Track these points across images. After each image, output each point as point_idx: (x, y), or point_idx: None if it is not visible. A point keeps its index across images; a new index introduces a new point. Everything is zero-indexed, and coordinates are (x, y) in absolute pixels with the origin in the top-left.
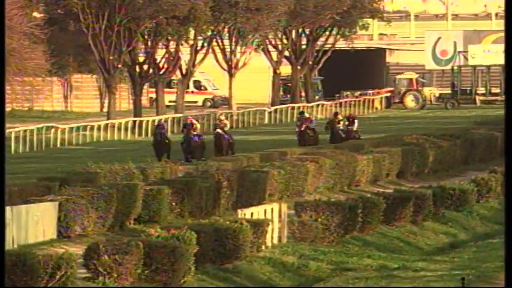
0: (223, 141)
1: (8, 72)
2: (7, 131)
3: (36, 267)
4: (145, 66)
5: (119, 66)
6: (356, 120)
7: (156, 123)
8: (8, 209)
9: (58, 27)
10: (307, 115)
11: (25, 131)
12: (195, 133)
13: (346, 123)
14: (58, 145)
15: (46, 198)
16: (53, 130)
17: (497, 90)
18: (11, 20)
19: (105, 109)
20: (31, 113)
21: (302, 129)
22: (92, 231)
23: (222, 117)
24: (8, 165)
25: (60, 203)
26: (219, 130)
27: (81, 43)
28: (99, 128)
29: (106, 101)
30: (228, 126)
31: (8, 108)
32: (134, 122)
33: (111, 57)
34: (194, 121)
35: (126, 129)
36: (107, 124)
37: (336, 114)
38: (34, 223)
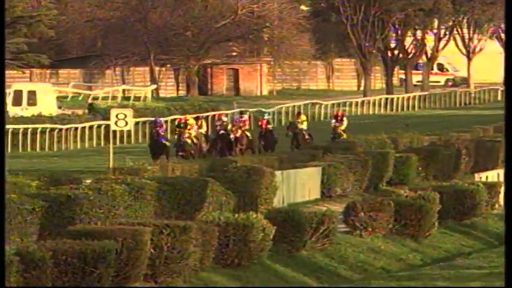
0: (226, 140)
1: (279, 57)
2: (278, 106)
3: (302, 222)
4: (395, 51)
5: (373, 51)
6: (345, 118)
7: (153, 120)
8: (278, 173)
9: (322, 18)
10: (246, 117)
11: (294, 106)
12: (187, 135)
13: (333, 121)
14: (321, 118)
15: (311, 164)
16: (317, 106)
17: None
18: (281, 12)
19: (362, 88)
20: (298, 92)
21: (237, 135)
22: (350, 192)
23: (225, 118)
24: (278, 136)
25: (324, 168)
26: (223, 132)
27: (341, 32)
28: (356, 104)
29: (362, 81)
30: (230, 126)
31: (278, 87)
32: (386, 99)
33: (366, 44)
34: (190, 120)
35: (379, 105)
36: (363, 101)
37: (299, 114)
38: (301, 185)
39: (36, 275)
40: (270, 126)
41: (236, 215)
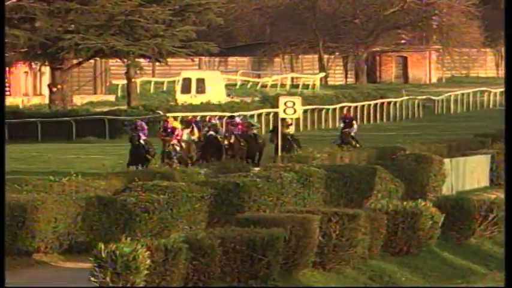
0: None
1: (448, 44)
2: (447, 94)
3: (471, 210)
4: None
5: None
6: (354, 122)
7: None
8: (447, 160)
9: (491, 5)
10: (238, 120)
11: (462, 94)
12: (174, 140)
13: (342, 125)
14: (490, 106)
15: (480, 151)
16: (486, 93)
17: None
18: None
19: None
20: (467, 79)
21: (232, 141)
22: None
23: (213, 121)
24: (447, 123)
25: (493, 156)
26: (212, 133)
27: None
28: None
29: None
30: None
31: (447, 75)
32: None
33: None
34: (175, 123)
35: None
36: None
37: (284, 118)
38: (470, 172)
39: (205, 263)
40: (253, 130)
41: (405, 203)
